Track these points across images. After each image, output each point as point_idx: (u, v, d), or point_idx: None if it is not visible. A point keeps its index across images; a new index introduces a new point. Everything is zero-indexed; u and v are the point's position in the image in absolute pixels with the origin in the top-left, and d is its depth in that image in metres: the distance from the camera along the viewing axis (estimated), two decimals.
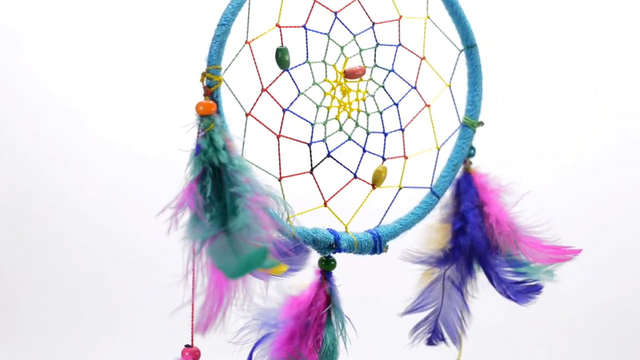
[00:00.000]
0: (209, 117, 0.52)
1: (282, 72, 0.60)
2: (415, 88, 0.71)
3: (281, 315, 0.63)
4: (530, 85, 1.37)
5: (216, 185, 0.50)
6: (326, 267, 0.64)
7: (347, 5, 0.64)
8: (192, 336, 0.56)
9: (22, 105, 1.40)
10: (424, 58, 0.71)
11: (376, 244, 0.67)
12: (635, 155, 1.37)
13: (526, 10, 1.37)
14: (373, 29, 0.66)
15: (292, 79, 0.61)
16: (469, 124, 0.76)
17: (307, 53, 0.62)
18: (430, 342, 0.78)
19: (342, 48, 0.64)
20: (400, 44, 0.70)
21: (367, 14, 0.66)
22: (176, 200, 0.50)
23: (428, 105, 0.73)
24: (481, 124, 0.76)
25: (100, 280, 1.35)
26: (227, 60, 0.57)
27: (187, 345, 0.57)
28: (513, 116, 1.33)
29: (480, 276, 0.76)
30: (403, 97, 0.71)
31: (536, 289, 0.74)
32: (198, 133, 0.52)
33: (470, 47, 0.75)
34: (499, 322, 1.20)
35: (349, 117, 0.66)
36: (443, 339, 0.78)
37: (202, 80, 0.53)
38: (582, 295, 1.28)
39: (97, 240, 1.36)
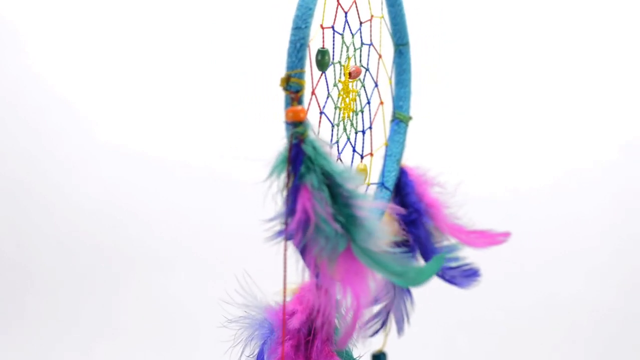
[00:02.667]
0: (303, 124, 0.49)
1: (322, 74, 0.58)
2: (377, 86, 0.73)
3: (278, 324, 0.61)
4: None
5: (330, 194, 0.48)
6: None
7: (353, 3, 0.64)
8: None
9: (21, 105, 1.39)
10: (380, 57, 0.74)
11: None
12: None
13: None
14: (360, 28, 0.67)
15: (326, 80, 0.60)
16: (403, 119, 0.80)
17: (333, 54, 0.61)
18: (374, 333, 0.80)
19: (348, 48, 0.64)
20: (371, 44, 0.71)
21: (358, 13, 0.66)
22: (289, 212, 0.47)
23: (382, 103, 0.75)
24: (410, 118, 0.80)
25: (99, 280, 1.35)
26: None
27: None
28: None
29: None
30: (371, 95, 0.72)
31: (473, 273, 0.78)
32: (291, 140, 0.48)
33: (403, 45, 0.78)
34: (499, 322, 1.25)
35: (348, 117, 0.66)
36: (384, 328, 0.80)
37: (283, 86, 0.50)
38: (582, 296, 1.31)
39: (96, 241, 1.36)
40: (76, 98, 1.39)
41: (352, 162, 0.68)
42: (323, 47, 0.57)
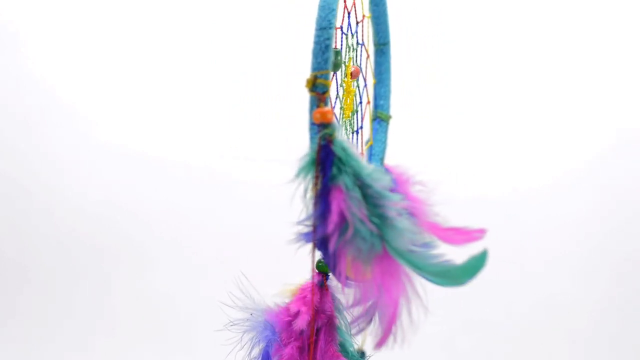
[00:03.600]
0: (331, 125, 0.48)
1: (334, 74, 0.58)
2: (366, 86, 0.73)
3: (281, 325, 0.60)
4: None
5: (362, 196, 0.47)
6: (325, 270, 0.62)
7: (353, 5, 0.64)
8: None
9: (21, 105, 1.38)
10: (368, 57, 0.74)
11: None
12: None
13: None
14: (357, 28, 0.67)
15: (337, 81, 0.60)
16: (384, 118, 0.80)
17: (342, 55, 0.61)
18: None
19: (349, 49, 0.64)
20: (363, 44, 0.71)
21: (355, 12, 0.67)
22: (320, 214, 0.46)
23: (368, 102, 0.75)
24: (391, 117, 0.80)
25: (98, 281, 1.35)
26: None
27: None
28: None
29: None
30: (361, 94, 0.73)
31: None
32: (320, 142, 0.48)
33: (385, 45, 0.76)
34: (498, 322, 1.24)
35: (347, 117, 0.66)
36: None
37: (309, 87, 0.49)
38: (582, 296, 1.31)
39: (95, 241, 1.36)
40: (76, 98, 1.39)
41: None
42: (335, 48, 0.57)
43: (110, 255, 1.35)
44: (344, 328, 0.62)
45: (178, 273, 1.36)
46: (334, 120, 0.48)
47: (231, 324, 0.60)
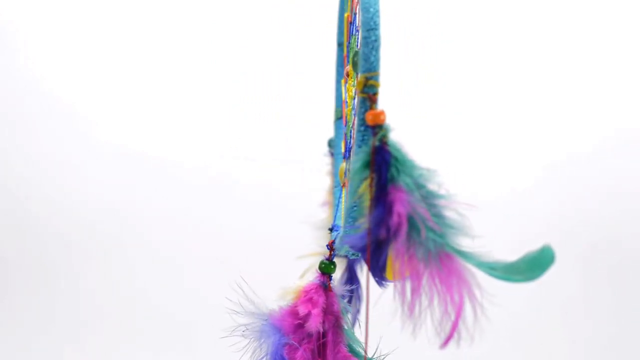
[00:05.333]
0: (384, 126, 0.48)
1: (357, 75, 0.58)
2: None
3: (289, 328, 0.59)
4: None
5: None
6: (329, 270, 0.62)
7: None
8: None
9: (20, 106, 1.38)
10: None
11: None
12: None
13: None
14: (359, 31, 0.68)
15: (356, 84, 0.59)
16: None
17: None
18: None
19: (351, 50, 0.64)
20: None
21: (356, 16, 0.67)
22: (380, 217, 0.46)
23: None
24: None
25: (98, 281, 1.34)
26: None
27: None
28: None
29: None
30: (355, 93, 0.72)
31: None
32: (375, 143, 0.47)
33: (339, 45, 0.76)
34: (498, 322, 1.24)
35: (349, 117, 0.66)
36: None
37: (360, 89, 0.48)
38: (582, 296, 1.31)
39: (94, 241, 1.35)
40: (75, 98, 1.37)
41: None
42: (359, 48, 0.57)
43: (110, 256, 1.35)
44: (350, 329, 0.62)
45: (178, 273, 1.35)
46: (387, 121, 0.48)
47: (236, 329, 0.59)
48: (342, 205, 0.67)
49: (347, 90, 0.65)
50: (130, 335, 1.30)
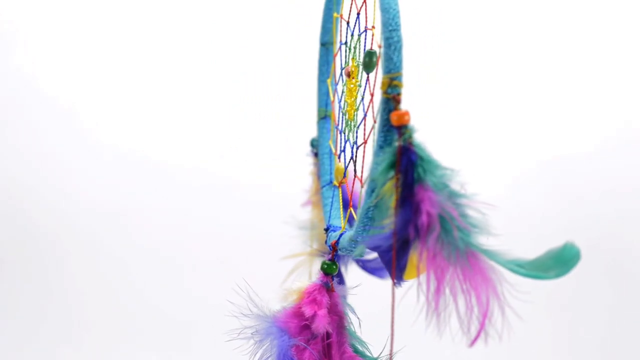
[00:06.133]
0: (409, 127, 0.48)
1: (368, 75, 0.58)
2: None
3: (294, 329, 0.59)
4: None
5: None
6: (331, 271, 0.61)
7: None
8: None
9: (20, 106, 1.37)
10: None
11: None
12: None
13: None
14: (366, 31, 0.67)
15: (368, 80, 0.59)
16: (329, 114, 0.78)
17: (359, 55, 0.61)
18: None
19: (351, 50, 0.64)
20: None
21: (366, 17, 0.67)
22: (407, 217, 0.46)
23: (371, 101, 0.75)
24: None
25: (98, 281, 1.34)
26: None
27: None
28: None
29: None
30: (363, 93, 0.72)
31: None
32: (400, 144, 0.47)
33: (324, 45, 0.76)
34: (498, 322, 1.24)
35: (351, 118, 0.66)
36: None
37: (384, 89, 0.48)
38: (582, 295, 1.30)
39: (95, 241, 1.35)
40: (75, 99, 1.37)
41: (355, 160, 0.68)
42: (371, 49, 0.57)
43: (110, 256, 1.34)
44: (353, 329, 0.62)
45: (178, 273, 1.35)
46: (412, 121, 0.48)
47: (241, 331, 0.59)
48: (338, 205, 0.68)
49: (347, 90, 0.64)
50: (130, 335, 1.30)
